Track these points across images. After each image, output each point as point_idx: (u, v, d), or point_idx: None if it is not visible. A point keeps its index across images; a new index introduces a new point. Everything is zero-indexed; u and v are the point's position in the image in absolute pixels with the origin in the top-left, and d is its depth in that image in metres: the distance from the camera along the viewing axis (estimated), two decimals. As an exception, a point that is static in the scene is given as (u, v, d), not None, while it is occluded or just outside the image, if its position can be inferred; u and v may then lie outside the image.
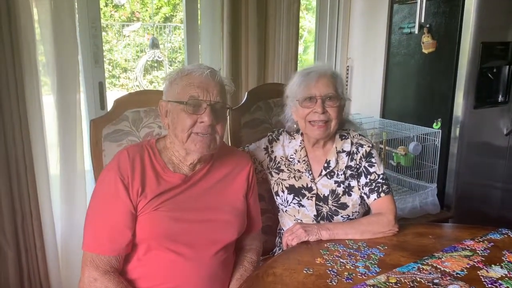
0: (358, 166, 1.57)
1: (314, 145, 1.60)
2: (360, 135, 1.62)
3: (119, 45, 6.14)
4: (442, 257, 1.27)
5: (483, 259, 1.26)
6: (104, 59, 2.30)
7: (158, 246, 1.29)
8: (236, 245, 1.46)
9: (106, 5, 5.78)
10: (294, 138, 1.66)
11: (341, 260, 1.26)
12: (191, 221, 1.32)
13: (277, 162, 1.66)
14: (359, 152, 1.57)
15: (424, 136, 2.51)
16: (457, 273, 1.18)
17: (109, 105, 2.03)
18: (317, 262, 1.25)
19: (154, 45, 4.81)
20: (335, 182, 1.57)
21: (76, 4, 2.07)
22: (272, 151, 1.67)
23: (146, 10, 6.37)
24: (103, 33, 2.27)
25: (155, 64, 5.80)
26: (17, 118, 1.92)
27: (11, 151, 1.95)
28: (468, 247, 1.34)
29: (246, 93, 1.91)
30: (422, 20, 2.53)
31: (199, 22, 2.49)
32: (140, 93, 1.66)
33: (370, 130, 2.62)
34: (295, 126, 1.63)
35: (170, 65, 5.62)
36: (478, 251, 1.31)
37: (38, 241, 2.08)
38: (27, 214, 2.03)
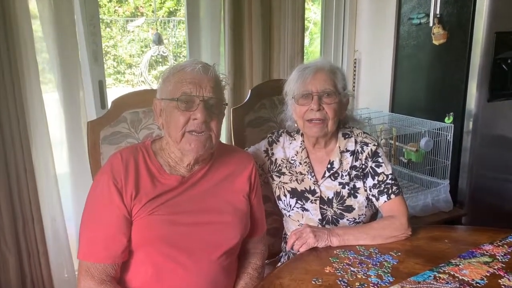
0: (363, 166, 1.49)
1: (315, 145, 1.53)
2: (364, 133, 1.54)
3: (123, 40, 6.10)
4: (459, 264, 1.20)
5: (504, 265, 1.19)
6: (109, 55, 2.28)
7: (155, 253, 1.24)
8: (239, 249, 1.40)
9: (110, 0, 5.73)
10: (294, 139, 1.59)
11: (352, 268, 1.19)
12: (190, 225, 1.26)
13: (278, 165, 1.58)
14: (364, 152, 1.49)
15: (436, 131, 2.43)
16: (476, 282, 1.11)
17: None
18: (326, 271, 1.19)
19: (160, 40, 4.77)
20: (340, 183, 1.50)
21: (74, 1, 2.03)
22: (273, 154, 1.60)
23: (150, 4, 6.31)
24: (108, 29, 2.24)
25: (160, 59, 5.75)
26: (14, 118, 1.88)
27: (9, 153, 1.90)
28: (487, 252, 1.27)
29: (250, 90, 1.84)
30: (438, 11, 2.43)
31: (200, 16, 2.42)
32: (139, 93, 1.59)
33: (380, 126, 2.54)
34: (295, 125, 1.55)
35: (175, 60, 5.57)
36: (498, 257, 1.23)
37: (41, 246, 2.04)
38: (28, 217, 2.00)
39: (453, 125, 2.42)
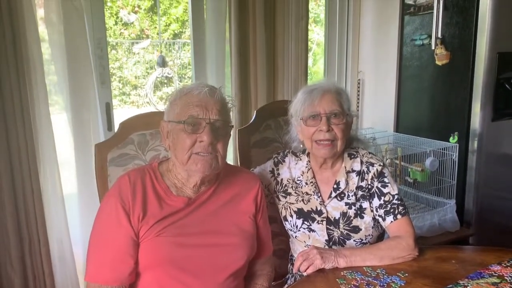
0: (370, 187, 1.49)
1: (322, 165, 1.53)
2: (370, 153, 1.55)
3: (129, 62, 6.18)
4: (468, 285, 1.19)
5: (512, 286, 1.18)
6: (115, 77, 2.31)
7: (162, 275, 1.23)
8: (246, 271, 1.39)
9: (116, 23, 5.83)
10: (300, 159, 1.59)
11: (359, 290, 1.19)
12: (196, 246, 1.26)
13: (284, 185, 1.59)
14: (370, 172, 1.50)
15: (441, 150, 2.43)
16: (485, 304, 1.10)
17: (117, 125, 2.03)
18: (334, 292, 1.18)
19: (163, 63, 4.83)
20: (346, 204, 1.50)
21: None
22: (278, 174, 1.60)
23: (155, 27, 6.41)
24: (113, 51, 2.27)
25: (165, 81, 5.80)
26: (22, 139, 1.89)
27: (17, 172, 1.91)
28: (495, 273, 1.26)
29: (255, 111, 1.86)
30: (440, 33, 2.45)
31: (206, 38, 2.46)
32: (146, 115, 1.61)
33: (384, 145, 2.54)
34: (301, 146, 1.57)
35: (180, 81, 5.62)
36: (506, 278, 1.22)
37: (46, 267, 2.03)
38: (35, 238, 1.99)
39: (458, 144, 2.41)
